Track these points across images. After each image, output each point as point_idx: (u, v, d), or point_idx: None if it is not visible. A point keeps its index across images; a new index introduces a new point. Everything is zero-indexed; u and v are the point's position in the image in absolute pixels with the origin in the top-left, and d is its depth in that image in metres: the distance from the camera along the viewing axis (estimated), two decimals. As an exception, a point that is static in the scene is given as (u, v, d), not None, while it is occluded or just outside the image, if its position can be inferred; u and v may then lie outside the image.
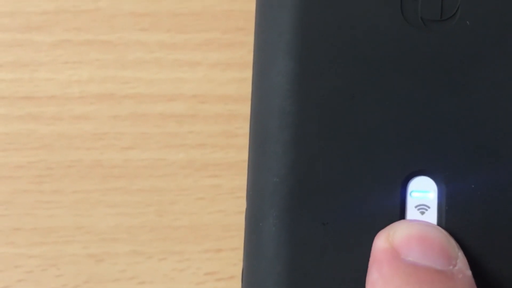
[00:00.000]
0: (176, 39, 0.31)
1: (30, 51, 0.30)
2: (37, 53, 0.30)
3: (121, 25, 0.31)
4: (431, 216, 0.23)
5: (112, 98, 0.31)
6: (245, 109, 0.30)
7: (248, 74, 0.30)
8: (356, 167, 0.23)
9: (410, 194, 0.23)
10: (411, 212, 0.23)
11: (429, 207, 0.23)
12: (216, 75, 0.31)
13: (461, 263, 0.22)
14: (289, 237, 0.23)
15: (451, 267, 0.22)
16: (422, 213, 0.23)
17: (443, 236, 0.22)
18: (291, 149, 0.23)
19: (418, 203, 0.23)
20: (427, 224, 0.23)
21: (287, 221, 0.23)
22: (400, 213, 0.23)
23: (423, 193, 0.23)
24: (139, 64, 0.31)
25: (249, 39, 0.30)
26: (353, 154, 0.23)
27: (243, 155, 0.30)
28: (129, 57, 0.31)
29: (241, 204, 0.29)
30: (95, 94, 0.30)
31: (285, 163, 0.23)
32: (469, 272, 0.22)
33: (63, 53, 0.31)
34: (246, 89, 0.30)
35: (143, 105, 0.31)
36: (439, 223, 0.23)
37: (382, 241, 0.22)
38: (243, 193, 0.29)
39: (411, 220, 0.23)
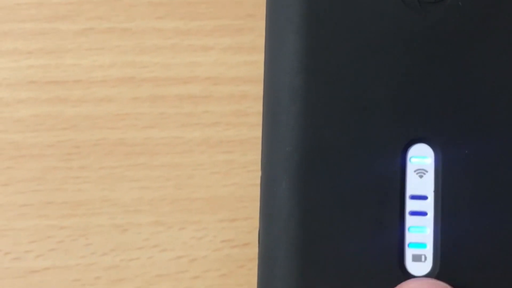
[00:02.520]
0: (190, 26, 0.32)
1: (56, 39, 0.31)
2: (62, 41, 0.31)
3: (139, 14, 0.32)
4: (429, 180, 0.24)
5: (132, 82, 0.32)
6: (256, 89, 0.31)
7: (257, 57, 0.31)
8: (361, 136, 0.24)
9: (410, 159, 0.24)
10: (411, 175, 0.24)
11: (427, 171, 0.24)
12: (228, 58, 0.32)
13: None
14: (301, 200, 0.24)
15: None
16: (421, 176, 0.24)
17: None
18: (301, 121, 0.24)
19: (417, 168, 0.24)
20: (434, 282, 0.24)
21: (299, 185, 0.24)
22: (401, 177, 0.24)
23: (421, 158, 0.24)
24: (156, 50, 0.32)
25: (258, 24, 0.31)
26: (358, 124, 0.24)
27: (254, 132, 0.31)
28: (147, 43, 0.32)
29: (253, 177, 0.30)
30: (117, 78, 0.31)
31: (296, 133, 0.24)
32: None
33: (86, 40, 0.32)
34: (256, 71, 0.31)
35: (161, 87, 0.32)
36: (436, 186, 0.24)
37: None
38: (255, 167, 0.30)
39: (419, 280, 0.24)
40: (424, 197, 0.25)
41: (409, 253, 0.24)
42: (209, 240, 0.31)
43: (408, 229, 0.24)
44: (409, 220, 0.25)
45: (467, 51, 0.24)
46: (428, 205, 0.25)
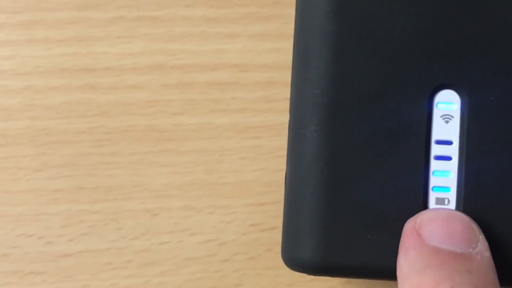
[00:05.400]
0: (218, 14, 0.32)
1: (87, 27, 0.32)
2: (93, 29, 0.32)
3: (168, 2, 0.32)
4: (455, 125, 0.25)
5: (161, 69, 0.32)
6: (282, 76, 0.32)
7: (284, 44, 0.32)
8: (389, 81, 0.25)
9: (436, 105, 0.25)
10: (437, 121, 0.25)
11: (453, 117, 0.25)
12: (255, 45, 0.32)
13: (482, 246, 0.23)
14: (328, 142, 0.25)
15: (471, 249, 0.23)
16: (447, 122, 0.25)
17: (465, 222, 0.24)
18: (331, 64, 0.25)
19: (443, 113, 0.25)
20: (451, 211, 0.24)
21: (326, 127, 0.25)
22: (427, 122, 0.25)
23: (448, 104, 0.25)
24: (185, 37, 0.32)
25: (284, 12, 0.32)
26: (386, 70, 0.25)
27: (281, 118, 0.31)
28: (176, 31, 0.32)
29: (280, 162, 0.30)
30: (146, 65, 0.32)
31: (325, 76, 0.25)
32: (488, 254, 0.23)
33: (117, 28, 0.32)
34: (282, 57, 0.32)
35: (189, 74, 0.32)
36: (461, 131, 0.25)
37: (410, 228, 0.24)
38: (282, 153, 0.30)
39: (437, 209, 0.25)
40: (449, 142, 0.25)
41: (432, 196, 0.25)
42: (238, 224, 0.32)
43: (433, 173, 0.25)
44: (434, 164, 0.25)
45: None
46: (453, 150, 0.25)
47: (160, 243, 0.32)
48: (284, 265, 0.28)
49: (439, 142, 0.25)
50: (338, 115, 0.25)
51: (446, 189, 0.25)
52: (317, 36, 0.25)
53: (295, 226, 0.26)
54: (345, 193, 0.25)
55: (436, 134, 0.25)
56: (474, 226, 0.24)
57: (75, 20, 0.32)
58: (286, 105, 0.30)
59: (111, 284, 0.32)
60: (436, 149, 0.25)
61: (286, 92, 0.30)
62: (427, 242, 0.23)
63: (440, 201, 0.25)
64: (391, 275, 0.24)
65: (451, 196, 0.25)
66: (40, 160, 0.32)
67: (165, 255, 0.32)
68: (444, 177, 0.25)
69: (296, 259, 0.26)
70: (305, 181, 0.26)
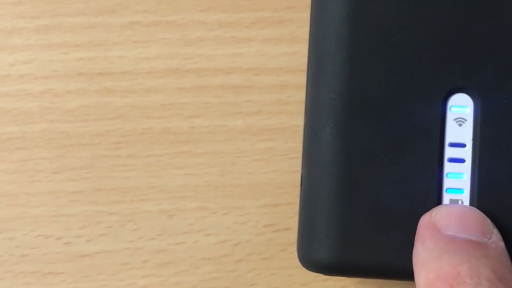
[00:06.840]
0: (232, 18, 0.32)
1: (104, 32, 0.32)
2: (110, 34, 0.32)
3: (183, 7, 0.32)
4: (468, 128, 0.26)
5: (177, 72, 0.32)
6: (296, 79, 0.32)
7: (297, 47, 0.32)
8: (404, 85, 0.25)
9: (450, 108, 0.26)
10: (451, 124, 0.26)
11: (466, 120, 0.26)
12: (269, 49, 0.32)
13: (496, 237, 0.24)
14: (344, 144, 0.26)
15: (486, 239, 0.24)
16: (460, 125, 0.25)
17: (479, 215, 0.24)
18: (346, 68, 0.26)
19: (457, 117, 0.26)
20: (466, 206, 0.25)
21: (342, 130, 0.26)
22: (441, 125, 0.25)
23: (461, 108, 0.26)
24: (200, 42, 0.32)
25: (298, 16, 0.32)
26: (401, 74, 0.25)
27: (295, 121, 0.32)
28: (191, 35, 0.32)
29: (294, 164, 0.31)
30: (162, 69, 0.32)
31: (340, 80, 0.26)
32: (502, 244, 0.24)
33: (133, 33, 0.32)
34: (296, 61, 0.32)
35: (204, 78, 0.32)
36: (475, 134, 0.25)
37: (426, 221, 0.25)
38: (295, 154, 0.31)
39: (451, 204, 0.25)
40: (462, 145, 0.26)
41: (446, 198, 0.26)
42: (252, 225, 0.32)
43: (446, 175, 0.26)
44: (448, 167, 0.26)
45: (506, 1, 0.25)
46: (466, 153, 0.26)
47: (176, 244, 0.32)
48: (298, 265, 0.28)
49: (452, 144, 0.26)
50: (353, 118, 0.26)
51: (459, 190, 0.26)
52: (332, 41, 0.26)
53: (311, 227, 0.26)
54: (360, 195, 0.26)
55: (449, 137, 0.26)
56: (488, 220, 0.25)
57: (92, 25, 0.33)
58: (299, 107, 0.30)
59: (128, 284, 0.32)
60: (449, 152, 0.26)
61: (300, 95, 0.31)
62: (443, 232, 0.24)
63: (453, 202, 0.26)
64: (406, 275, 0.25)
65: (465, 197, 0.26)
66: (58, 162, 0.32)
67: (181, 255, 0.32)
68: (457, 179, 0.26)
69: (312, 259, 0.26)
70: (321, 183, 0.26)
